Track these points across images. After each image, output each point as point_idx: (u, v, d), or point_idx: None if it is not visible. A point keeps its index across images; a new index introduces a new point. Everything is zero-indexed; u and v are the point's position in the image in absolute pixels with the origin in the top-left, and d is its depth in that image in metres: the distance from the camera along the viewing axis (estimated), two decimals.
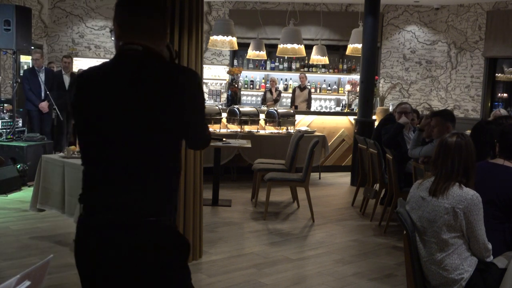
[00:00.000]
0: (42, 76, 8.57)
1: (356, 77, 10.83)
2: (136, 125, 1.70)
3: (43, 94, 8.60)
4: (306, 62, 11.41)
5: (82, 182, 1.79)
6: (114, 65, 1.80)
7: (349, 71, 11.63)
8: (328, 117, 9.54)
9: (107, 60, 1.89)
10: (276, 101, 10.19)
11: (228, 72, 10.09)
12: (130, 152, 1.71)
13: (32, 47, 8.52)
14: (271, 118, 8.38)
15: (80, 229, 1.77)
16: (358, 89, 9.17)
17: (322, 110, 11.12)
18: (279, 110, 8.54)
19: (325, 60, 10.16)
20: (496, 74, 11.14)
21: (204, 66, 5.04)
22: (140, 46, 1.77)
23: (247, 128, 8.35)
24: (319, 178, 8.73)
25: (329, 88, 11.75)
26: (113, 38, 1.93)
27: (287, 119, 8.43)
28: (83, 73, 1.85)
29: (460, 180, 2.84)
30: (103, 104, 1.73)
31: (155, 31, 1.82)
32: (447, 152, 2.88)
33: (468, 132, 4.27)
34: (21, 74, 9.21)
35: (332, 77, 11.80)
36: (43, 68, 8.72)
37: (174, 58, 1.90)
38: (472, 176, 2.88)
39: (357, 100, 9.52)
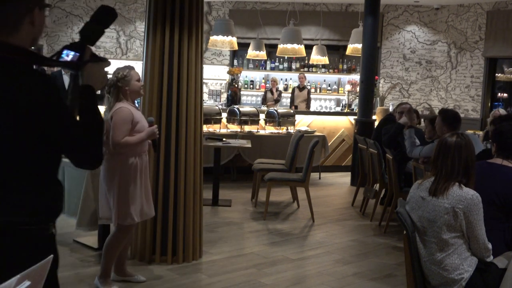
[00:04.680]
0: None
1: (356, 77, 10.83)
2: None
3: None
4: (306, 62, 11.40)
5: None
6: None
7: (349, 71, 11.63)
8: (328, 117, 9.54)
9: None
10: (277, 101, 10.18)
11: (228, 72, 10.08)
12: None
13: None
14: (271, 118, 8.38)
15: None
16: (358, 89, 9.17)
17: (322, 110, 11.12)
18: (279, 110, 8.54)
19: (325, 60, 10.16)
20: (496, 74, 11.14)
21: (204, 66, 5.04)
22: None
23: (247, 128, 8.35)
24: (319, 178, 8.73)
25: (329, 88, 11.75)
26: None
27: (287, 119, 8.42)
28: None
29: (460, 180, 2.84)
30: None
31: (7, 20, 1.65)
32: (447, 152, 2.88)
33: (468, 132, 4.27)
34: None
35: (332, 77, 11.80)
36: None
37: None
38: (472, 176, 2.88)
39: (357, 100, 9.52)
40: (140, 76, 3.90)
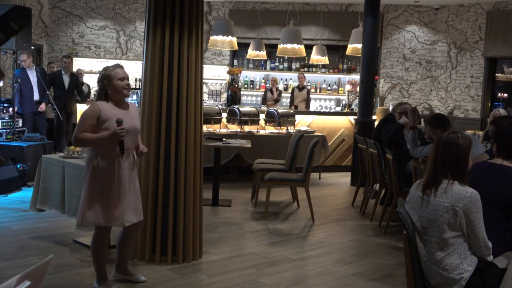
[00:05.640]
0: (33, 77, 8.39)
1: (356, 77, 10.83)
2: None
3: (37, 95, 8.49)
4: (306, 62, 11.41)
5: None
6: None
7: (349, 71, 11.63)
8: (328, 117, 9.54)
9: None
10: (276, 101, 10.19)
11: (228, 72, 10.09)
12: None
13: (32, 47, 8.48)
14: (271, 118, 8.38)
15: None
16: (358, 89, 9.17)
17: (322, 110, 11.12)
18: (279, 110, 8.54)
19: (325, 60, 10.16)
20: (496, 74, 11.14)
21: (204, 66, 5.05)
22: None
23: (247, 128, 8.35)
24: (319, 178, 8.73)
25: (329, 88, 11.75)
26: None
27: (287, 119, 8.42)
28: None
29: (454, 177, 2.85)
30: None
31: None
32: (440, 151, 2.90)
33: (469, 132, 4.27)
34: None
35: (332, 77, 11.80)
36: (34, 68, 8.53)
37: None
38: (465, 175, 2.88)
39: (357, 100, 9.53)
40: (129, 75, 3.76)
